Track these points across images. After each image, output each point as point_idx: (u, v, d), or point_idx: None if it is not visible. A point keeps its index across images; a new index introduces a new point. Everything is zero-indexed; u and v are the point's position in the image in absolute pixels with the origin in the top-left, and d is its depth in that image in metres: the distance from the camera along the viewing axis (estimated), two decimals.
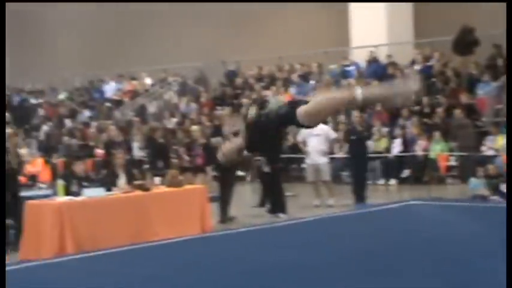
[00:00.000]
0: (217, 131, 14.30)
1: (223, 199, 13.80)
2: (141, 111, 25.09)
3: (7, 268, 10.03)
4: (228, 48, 25.98)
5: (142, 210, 11.73)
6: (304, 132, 15.55)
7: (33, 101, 28.84)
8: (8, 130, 14.41)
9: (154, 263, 9.85)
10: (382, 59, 22.59)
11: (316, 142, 15.12)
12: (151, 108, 25.49)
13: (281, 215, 13.83)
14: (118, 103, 26.64)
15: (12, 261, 10.70)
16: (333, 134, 15.95)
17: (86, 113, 26.44)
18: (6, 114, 26.86)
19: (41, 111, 27.78)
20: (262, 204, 14.57)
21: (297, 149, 17.89)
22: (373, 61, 22.78)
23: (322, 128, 15.45)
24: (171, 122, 23.08)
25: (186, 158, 15.99)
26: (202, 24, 27.22)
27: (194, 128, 16.45)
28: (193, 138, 16.89)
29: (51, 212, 10.77)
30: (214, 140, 14.05)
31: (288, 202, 14.42)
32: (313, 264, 8.79)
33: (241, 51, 25.54)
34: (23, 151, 16.44)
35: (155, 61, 26.84)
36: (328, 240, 10.75)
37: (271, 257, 9.69)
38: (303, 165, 17.78)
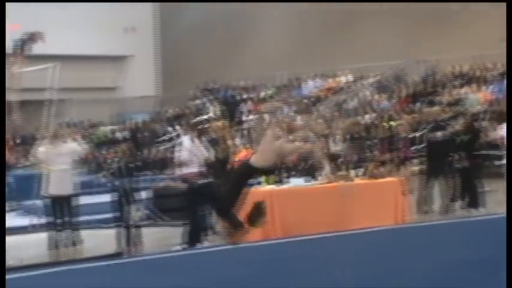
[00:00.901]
0: (438, 126, 13.74)
1: (421, 192, 13.52)
2: (341, 107, 25.19)
3: (224, 248, 10.51)
4: (425, 47, 25.51)
5: (340, 200, 11.78)
6: (505, 127, 14.92)
7: (240, 96, 29.74)
8: (219, 123, 14.88)
9: (352, 250, 9.92)
10: None
11: None
12: (350, 104, 25.54)
13: (477, 210, 13.42)
14: (318, 99, 26.90)
15: (226, 243, 11.17)
16: None
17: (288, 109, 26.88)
18: (218, 107, 28.08)
19: (247, 106, 28.60)
20: (455, 199, 14.13)
21: (495, 145, 17.25)
22: None
23: None
24: (369, 118, 23.01)
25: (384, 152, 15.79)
26: (400, 24, 26.91)
27: (398, 122, 16.03)
28: (392, 132, 16.72)
29: (261, 198, 11.05)
30: (432, 135, 13.62)
31: (485, 197, 13.98)
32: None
33: (438, 50, 24.98)
34: (231, 142, 16.97)
35: (354, 60, 26.88)
36: None
37: (463, 250, 9.44)
38: (502, 162, 17.12)
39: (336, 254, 9.62)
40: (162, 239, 11.91)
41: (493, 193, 15.87)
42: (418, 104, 22.65)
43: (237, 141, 22.47)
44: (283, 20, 30.30)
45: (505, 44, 11.64)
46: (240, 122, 27.41)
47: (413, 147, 14.98)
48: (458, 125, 14.69)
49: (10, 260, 9.80)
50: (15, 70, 12.63)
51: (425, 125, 14.52)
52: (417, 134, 14.79)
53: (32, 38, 12.76)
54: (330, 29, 28.80)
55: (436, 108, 16.18)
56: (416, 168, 15.20)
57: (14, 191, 16.17)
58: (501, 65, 23.25)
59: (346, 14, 27.96)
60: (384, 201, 12.17)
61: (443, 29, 25.86)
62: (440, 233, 11.41)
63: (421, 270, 8.12)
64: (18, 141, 29.09)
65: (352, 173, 12.67)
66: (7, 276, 8.74)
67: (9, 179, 15.65)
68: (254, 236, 10.91)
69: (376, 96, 25.26)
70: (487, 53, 23.57)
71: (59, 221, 10.20)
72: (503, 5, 23.35)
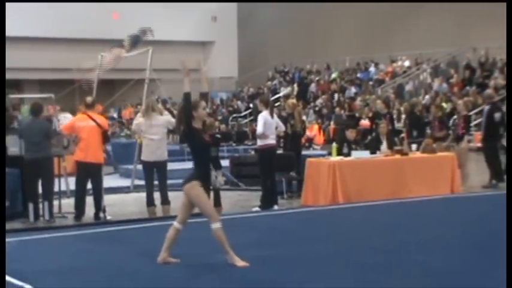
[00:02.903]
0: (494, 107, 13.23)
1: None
2: (399, 90, 24.83)
3: (295, 210, 10.53)
4: (477, 35, 24.82)
5: (400, 171, 11.66)
6: None
7: (310, 78, 29.66)
8: (293, 100, 14.82)
9: (407, 216, 9.80)
10: None
11: None
12: (408, 87, 25.18)
13: None
14: (380, 82, 26.59)
15: (294, 206, 11.22)
16: None
17: (353, 90, 26.67)
18: (290, 87, 28.05)
19: (316, 87, 28.53)
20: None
21: None
22: None
23: None
24: (425, 99, 22.64)
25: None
26: (454, 13, 26.22)
27: (460, 102, 15.44)
28: (444, 112, 16.38)
29: (327, 168, 11.02)
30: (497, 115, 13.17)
31: None
32: None
33: (489, 38, 24.25)
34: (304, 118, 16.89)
35: (412, 46, 26.42)
36: None
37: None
38: None
39: (394, 218, 9.54)
40: (240, 201, 12.02)
41: None
42: (471, 88, 22.15)
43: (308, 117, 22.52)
44: (348, 10, 29.92)
45: None
46: (310, 101, 27.38)
47: (471, 125, 14.60)
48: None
49: (109, 216, 10.09)
50: (119, 55, 12.91)
51: (481, 106, 14.09)
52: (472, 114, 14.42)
53: (145, 32, 13.02)
54: (391, 18, 28.31)
55: (490, 91, 15.74)
56: (472, 144, 14.83)
57: (115, 156, 16.55)
58: None
59: (406, 5, 27.43)
60: (440, 173, 11.94)
61: (494, 18, 25.08)
62: (492, 203, 11.13)
63: (471, 236, 7.98)
64: (115, 114, 29.85)
65: (413, 147, 12.48)
66: (108, 229, 9.02)
67: (110, 146, 16.01)
68: (321, 201, 10.94)
69: (431, 80, 24.84)
70: None
71: (153, 183, 10.36)
72: None
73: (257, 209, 10.72)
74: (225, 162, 13.20)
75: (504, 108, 14.15)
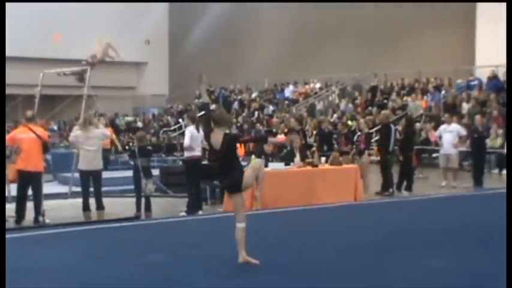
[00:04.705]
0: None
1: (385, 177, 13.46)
2: (311, 108, 25.29)
3: (217, 215, 10.51)
4: (378, 63, 25.62)
5: (310, 181, 11.79)
6: (440, 129, 14.99)
7: (233, 97, 29.79)
8: None
9: (317, 221, 9.97)
10: (501, 76, 21.41)
11: (450, 137, 14.38)
12: (318, 106, 25.67)
13: (406, 193, 13.41)
14: (294, 101, 26.99)
15: (217, 211, 11.25)
16: (463, 132, 15.00)
17: (271, 108, 26.96)
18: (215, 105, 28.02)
19: (237, 105, 28.68)
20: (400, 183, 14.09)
21: (428, 142, 17.43)
22: (493, 78, 21.64)
23: (455, 126, 14.69)
24: (333, 117, 23.14)
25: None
26: (358, 43, 26.99)
27: (357, 121, 15.99)
28: (352, 129, 16.82)
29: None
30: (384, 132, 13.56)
31: (419, 183, 14.00)
32: (432, 230, 8.57)
33: (388, 65, 25.09)
34: None
35: (323, 71, 27.01)
36: (446, 215, 10.39)
37: (404, 223, 9.53)
38: (435, 155, 17.27)
39: (305, 223, 9.68)
40: (168, 206, 11.95)
41: (426, 179, 16.02)
42: (373, 108, 22.78)
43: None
44: (266, 37, 30.32)
45: None
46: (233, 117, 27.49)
47: (371, 141, 15.04)
48: (401, 126, 14.77)
49: (48, 219, 9.86)
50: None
51: (379, 124, 14.53)
52: (373, 131, 14.85)
53: None
54: (304, 46, 28.85)
55: (387, 111, 16.24)
56: (373, 157, 15.23)
57: (55, 165, 16.12)
58: (434, 79, 23.48)
59: (317, 34, 28.05)
60: (346, 183, 12.12)
61: (392, 48, 25.96)
62: (389, 209, 11.47)
63: (373, 238, 8.20)
64: (56, 126, 29.09)
65: (322, 160, 12.66)
66: (47, 232, 8.81)
67: (50, 156, 15.59)
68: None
69: (339, 101, 25.41)
70: (425, 70, 23.80)
71: (89, 190, 10.20)
72: (440, 30, 23.51)
73: (183, 214, 10.68)
74: (155, 172, 13.10)
75: (397, 126, 14.68)
